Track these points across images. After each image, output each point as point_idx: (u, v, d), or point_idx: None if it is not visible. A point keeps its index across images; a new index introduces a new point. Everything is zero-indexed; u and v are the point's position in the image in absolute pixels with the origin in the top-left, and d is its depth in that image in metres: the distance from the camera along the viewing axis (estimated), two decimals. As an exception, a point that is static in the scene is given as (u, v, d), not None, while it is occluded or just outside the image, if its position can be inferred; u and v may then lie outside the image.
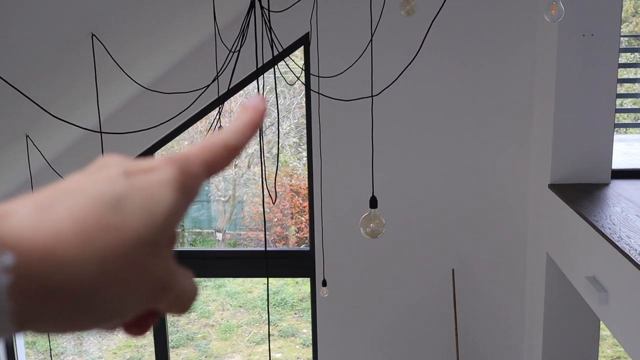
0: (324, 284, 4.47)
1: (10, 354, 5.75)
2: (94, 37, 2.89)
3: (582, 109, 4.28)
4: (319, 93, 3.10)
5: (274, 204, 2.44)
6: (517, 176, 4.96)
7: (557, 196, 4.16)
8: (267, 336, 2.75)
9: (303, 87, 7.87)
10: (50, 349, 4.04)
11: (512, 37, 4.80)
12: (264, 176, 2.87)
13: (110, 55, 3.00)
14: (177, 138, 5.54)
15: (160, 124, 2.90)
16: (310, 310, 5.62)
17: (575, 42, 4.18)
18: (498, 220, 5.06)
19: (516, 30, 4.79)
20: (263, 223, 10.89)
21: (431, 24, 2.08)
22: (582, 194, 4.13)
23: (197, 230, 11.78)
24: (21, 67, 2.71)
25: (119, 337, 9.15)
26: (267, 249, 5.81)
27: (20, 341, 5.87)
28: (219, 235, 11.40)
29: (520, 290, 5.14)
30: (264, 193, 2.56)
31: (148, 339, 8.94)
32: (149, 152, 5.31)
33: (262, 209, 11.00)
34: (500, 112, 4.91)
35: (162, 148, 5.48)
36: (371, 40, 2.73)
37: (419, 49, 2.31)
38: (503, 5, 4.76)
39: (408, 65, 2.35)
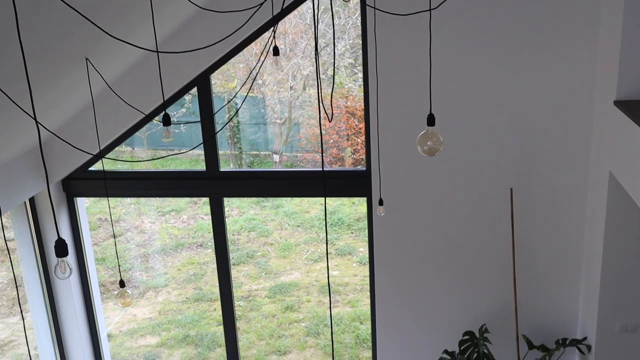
0: (381, 203, 4.50)
1: (82, 269, 6.08)
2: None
3: (653, 20, 4.05)
4: (374, 7, 3.02)
5: (330, 122, 2.44)
6: (581, 92, 4.79)
7: (623, 113, 4.01)
8: (325, 254, 2.77)
9: (358, 7, 7.70)
10: (119, 265, 4.23)
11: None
12: (320, 96, 2.86)
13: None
14: (232, 60, 5.54)
15: (215, 43, 2.90)
16: (366, 229, 5.70)
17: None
18: (560, 138, 4.94)
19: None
20: (319, 145, 10.93)
21: None
22: (650, 110, 3.97)
23: (255, 152, 11.94)
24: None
25: (183, 255, 9.52)
26: (324, 169, 5.86)
27: (91, 257, 6.18)
28: (276, 157, 11.53)
29: (580, 210, 5.06)
30: (320, 112, 2.55)
31: (210, 256, 9.29)
32: (206, 73, 5.34)
33: (318, 131, 11.03)
34: (565, 24, 4.70)
35: (218, 70, 5.50)
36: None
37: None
38: None
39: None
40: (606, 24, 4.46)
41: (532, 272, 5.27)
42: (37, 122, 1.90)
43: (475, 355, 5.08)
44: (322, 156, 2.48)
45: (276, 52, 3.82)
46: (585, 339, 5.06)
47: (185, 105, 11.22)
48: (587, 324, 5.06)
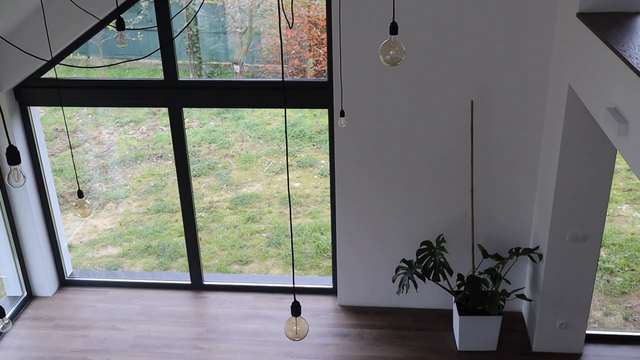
0: (342, 114, 4.48)
1: (39, 180, 5.97)
2: None
3: None
4: None
5: (290, 28, 2.37)
6: (544, 4, 4.75)
7: (585, 25, 4.00)
8: (286, 166, 2.80)
9: None
10: (77, 176, 4.16)
11: None
12: (280, 3, 2.76)
13: None
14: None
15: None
16: (327, 142, 5.69)
17: None
18: (521, 51, 4.93)
19: None
20: (280, 53, 10.75)
21: None
22: (611, 23, 3.96)
23: (215, 62, 11.68)
24: None
25: (143, 166, 9.43)
26: (285, 80, 5.77)
27: (48, 168, 6.07)
28: (237, 68, 11.31)
29: (539, 122, 5.12)
30: (280, 20, 2.48)
31: (170, 168, 9.22)
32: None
33: (279, 41, 10.79)
34: None
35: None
36: None
37: None
38: None
39: None
40: None
41: (489, 185, 5.38)
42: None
43: (432, 264, 5.24)
44: (282, 66, 2.42)
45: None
46: (537, 248, 5.24)
47: (142, 12, 10.81)
48: (539, 234, 5.24)
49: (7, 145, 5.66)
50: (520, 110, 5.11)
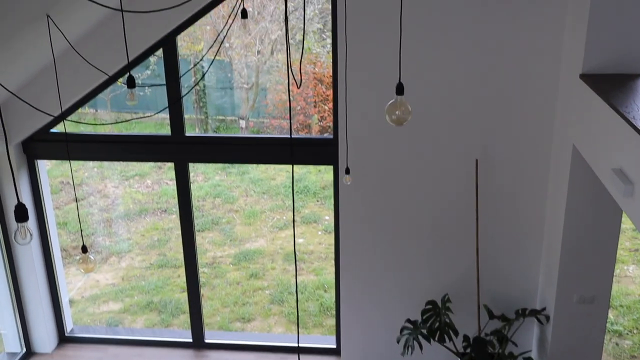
0: (347, 171, 4.49)
1: (43, 234, 5.96)
2: None
3: (622, -6, 4.07)
4: (346, -26, 2.97)
5: (298, 88, 2.40)
6: (547, 65, 4.81)
7: (588, 86, 4.04)
8: (292, 222, 2.75)
9: (329, -30, 7.58)
10: (81, 230, 4.16)
11: None
12: (289, 62, 2.81)
13: None
14: (198, 22, 5.41)
15: (182, 3, 2.81)
16: (332, 197, 5.69)
17: None
18: (525, 111, 4.97)
19: None
20: (286, 111, 10.85)
21: None
22: (614, 84, 4.00)
23: (221, 117, 11.81)
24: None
25: (147, 220, 9.42)
26: (292, 136, 5.81)
27: (52, 221, 6.06)
28: (242, 123, 11.43)
29: (543, 182, 5.12)
30: (289, 79, 2.51)
31: (174, 222, 9.21)
32: (172, 35, 5.22)
33: (285, 97, 10.94)
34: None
35: (184, 32, 5.38)
36: None
37: None
38: None
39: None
40: (576, -3, 4.47)
41: (495, 244, 5.34)
42: (-7, 81, 1.83)
43: (437, 324, 5.16)
44: (290, 123, 2.44)
45: (244, 14, 3.74)
46: (544, 309, 5.17)
47: (151, 67, 11.00)
48: (546, 294, 5.17)
49: (13, 200, 5.68)
50: (525, 169, 5.12)
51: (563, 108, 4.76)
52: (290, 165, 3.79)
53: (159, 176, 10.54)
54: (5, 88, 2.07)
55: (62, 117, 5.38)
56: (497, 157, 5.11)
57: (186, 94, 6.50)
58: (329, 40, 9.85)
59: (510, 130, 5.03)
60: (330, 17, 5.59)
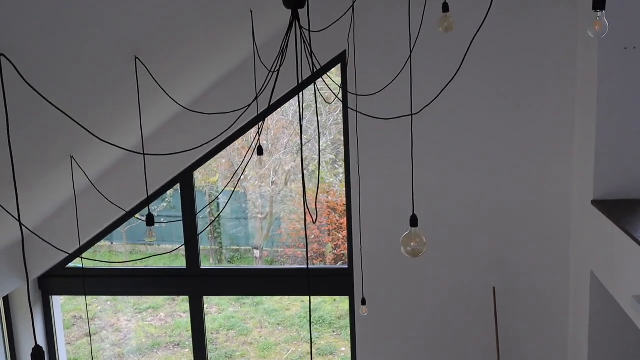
0: (364, 302, 4.44)
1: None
2: (137, 59, 2.95)
3: (625, 123, 4.20)
4: (357, 111, 3.10)
5: (314, 223, 2.45)
6: (559, 192, 4.88)
7: (601, 212, 4.08)
8: (310, 354, 2.72)
9: (339, 103, 7.89)
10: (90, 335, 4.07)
11: (552, 53, 4.74)
12: (305, 195, 2.88)
13: (153, 78, 3.05)
14: (215, 156, 5.59)
15: (201, 145, 2.93)
16: (348, 328, 5.59)
17: (617, 55, 4.11)
18: (540, 238, 4.97)
19: (556, 47, 4.73)
20: (301, 240, 10.89)
21: (470, 44, 2.07)
22: (627, 210, 4.04)
23: (235, 247, 11.84)
24: (67, 91, 2.78)
25: (159, 355, 9.22)
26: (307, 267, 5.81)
27: (64, 358, 5.95)
28: (257, 252, 11.44)
29: (563, 309, 5.03)
30: (305, 211, 2.56)
31: (188, 356, 8.99)
32: (189, 170, 5.37)
33: (299, 226, 11.02)
34: (542, 128, 4.84)
35: (202, 166, 5.54)
36: (410, 57, 2.73)
37: (459, 68, 2.30)
38: (542, 22, 4.71)
39: (447, 84, 2.34)
40: (581, 128, 4.61)
41: (518, 373, 5.17)
42: (21, 224, 1.88)
43: None
44: (307, 254, 2.47)
45: (260, 152, 3.87)
46: None
47: (167, 199, 11.20)
48: None
49: (27, 336, 5.62)
50: (544, 296, 5.05)
51: (578, 234, 4.77)
52: (306, 295, 3.77)
53: (173, 308, 10.44)
54: (26, 228, 2.12)
55: (79, 252, 5.44)
56: (514, 285, 5.06)
57: (202, 231, 6.59)
58: (342, 170, 10.08)
59: (526, 257, 5.02)
60: (342, 147, 5.76)
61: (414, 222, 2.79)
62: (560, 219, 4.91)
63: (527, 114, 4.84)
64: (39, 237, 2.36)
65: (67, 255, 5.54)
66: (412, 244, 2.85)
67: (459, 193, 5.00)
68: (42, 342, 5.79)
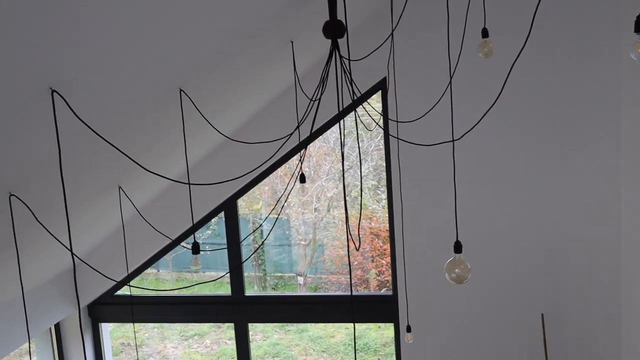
0: (409, 329, 4.40)
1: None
2: (181, 92, 3.03)
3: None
4: (398, 138, 3.12)
5: (357, 250, 2.46)
6: (609, 218, 4.77)
7: (652, 236, 3.98)
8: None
9: (380, 130, 7.92)
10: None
11: (595, 75, 4.68)
12: (347, 221, 2.89)
13: (198, 110, 3.12)
14: (258, 184, 5.66)
15: (245, 174, 2.98)
16: (393, 355, 5.54)
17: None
18: (590, 264, 4.86)
19: (599, 68, 4.67)
20: (344, 266, 10.87)
21: (511, 68, 2.07)
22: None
23: (279, 274, 11.88)
24: (115, 123, 2.87)
25: (205, 382, 9.25)
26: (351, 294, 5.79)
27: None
28: (300, 279, 11.45)
29: (616, 336, 4.89)
30: (348, 238, 2.57)
31: (233, 383, 9.01)
32: (233, 198, 5.44)
33: (342, 253, 11.01)
34: (588, 151, 4.77)
35: (246, 194, 5.61)
36: (450, 83, 2.74)
37: (499, 93, 2.30)
38: (585, 44, 4.67)
39: (489, 109, 2.34)
40: (627, 151, 4.52)
41: (570, 403, 5.03)
42: (72, 253, 1.95)
43: None
44: (351, 280, 2.47)
45: (303, 179, 3.90)
46: None
47: (211, 227, 11.33)
48: None
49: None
50: (595, 324, 4.92)
51: (629, 261, 4.65)
52: (350, 322, 3.75)
53: (218, 335, 10.49)
54: (77, 257, 2.19)
55: (127, 280, 5.54)
56: (564, 312, 4.95)
57: (247, 259, 6.65)
58: (384, 196, 10.05)
59: (574, 285, 4.91)
60: (384, 173, 5.76)
61: (458, 248, 2.78)
62: (610, 245, 4.80)
63: (572, 138, 4.77)
64: (89, 265, 2.43)
65: (116, 283, 5.64)
66: (456, 270, 2.83)
67: (504, 218, 4.94)
68: (91, 369, 5.90)
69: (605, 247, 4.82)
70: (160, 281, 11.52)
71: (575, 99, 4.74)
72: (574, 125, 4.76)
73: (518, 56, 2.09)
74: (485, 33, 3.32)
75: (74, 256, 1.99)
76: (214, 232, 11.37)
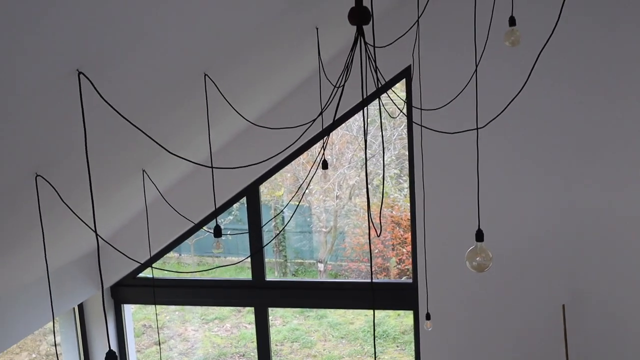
0: (428, 317, 4.41)
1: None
2: (206, 76, 3.05)
3: None
4: (421, 126, 3.10)
5: (378, 236, 2.46)
6: (636, 209, 4.72)
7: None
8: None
9: (403, 119, 7.88)
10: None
11: (624, 62, 4.61)
12: (369, 209, 2.90)
13: (222, 94, 3.14)
14: (281, 170, 5.68)
15: (268, 158, 2.99)
16: (412, 343, 5.55)
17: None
18: (613, 253, 4.82)
19: (631, 58, 4.60)
20: (364, 254, 10.88)
21: (538, 57, 2.05)
22: None
23: (299, 260, 11.93)
24: (140, 107, 2.90)
25: (224, 365, 9.35)
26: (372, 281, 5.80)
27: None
28: (321, 266, 11.49)
29: (638, 330, 4.84)
30: (370, 225, 2.57)
31: (252, 367, 9.09)
32: (255, 184, 5.47)
33: (363, 240, 11.02)
34: (616, 136, 4.71)
35: (268, 180, 5.63)
36: (475, 71, 2.72)
37: (526, 81, 2.27)
38: (614, 31, 4.59)
39: (515, 97, 2.32)
40: (655, 140, 4.45)
41: (589, 395, 5.00)
42: (97, 234, 1.97)
43: None
44: (372, 267, 2.48)
45: (325, 165, 3.91)
46: None
47: (233, 212, 11.41)
48: None
49: (100, 343, 5.83)
50: (617, 314, 4.87)
51: (652, 251, 4.60)
52: (369, 309, 3.79)
53: (238, 319, 10.59)
54: (102, 238, 2.22)
55: (150, 262, 5.61)
56: (586, 303, 4.91)
57: (267, 243, 6.69)
58: (406, 185, 10.04)
59: (596, 275, 4.86)
60: (406, 162, 5.75)
61: (479, 236, 2.77)
62: (635, 235, 4.75)
63: (600, 126, 4.71)
64: (113, 247, 2.47)
65: (139, 264, 5.72)
66: (477, 258, 2.82)
67: (526, 207, 4.91)
68: (114, 348, 5.98)
69: (631, 239, 4.76)
70: (182, 265, 11.63)
71: (603, 88, 4.68)
72: (601, 114, 4.70)
73: (544, 47, 2.06)
74: (512, 21, 3.28)
75: (98, 237, 2.02)
76: (236, 217, 11.44)
